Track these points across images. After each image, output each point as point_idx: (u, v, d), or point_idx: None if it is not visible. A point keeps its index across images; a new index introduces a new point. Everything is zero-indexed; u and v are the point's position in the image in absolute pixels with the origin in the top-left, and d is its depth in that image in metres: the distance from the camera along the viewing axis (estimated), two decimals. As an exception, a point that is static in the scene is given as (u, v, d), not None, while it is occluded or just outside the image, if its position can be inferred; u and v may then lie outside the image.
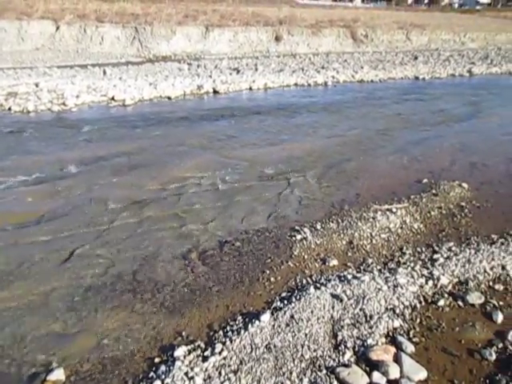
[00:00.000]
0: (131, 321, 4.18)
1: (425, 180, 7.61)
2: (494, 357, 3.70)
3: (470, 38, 44.35)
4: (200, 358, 3.67)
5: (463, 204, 6.61)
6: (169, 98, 15.68)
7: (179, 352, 3.75)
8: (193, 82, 18.25)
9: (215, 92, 17.50)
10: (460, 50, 40.46)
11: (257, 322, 3.99)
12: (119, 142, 9.92)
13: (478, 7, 75.42)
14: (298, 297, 4.30)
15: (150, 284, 4.69)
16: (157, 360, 3.75)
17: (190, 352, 3.77)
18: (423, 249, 5.33)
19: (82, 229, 5.80)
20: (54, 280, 4.75)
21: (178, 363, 3.63)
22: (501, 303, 4.32)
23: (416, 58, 32.02)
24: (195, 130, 11.40)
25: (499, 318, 4.08)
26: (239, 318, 4.16)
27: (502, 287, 4.56)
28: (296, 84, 20.38)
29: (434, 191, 7.03)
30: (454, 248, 5.27)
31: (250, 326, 3.96)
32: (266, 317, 4.02)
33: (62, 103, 13.50)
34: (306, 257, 5.17)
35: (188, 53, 31.54)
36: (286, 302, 4.28)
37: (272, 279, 4.73)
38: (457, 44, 43.53)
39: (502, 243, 5.37)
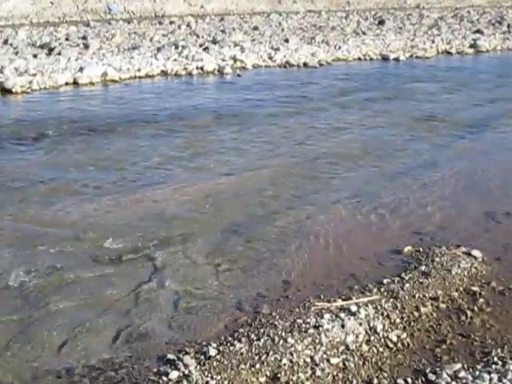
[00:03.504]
0: None
1: (407, 247, 7.97)
2: None
3: (472, -14, 48.68)
4: None
5: (475, 289, 6.99)
6: None
7: None
8: (-42, 73, 17.89)
9: (4, 91, 17.26)
10: (456, 9, 44.18)
11: None
12: None
13: None
14: None
15: None
16: None
17: None
18: (409, 379, 5.51)
19: None
20: None
21: None
22: None
23: (382, 22, 34.39)
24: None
25: None
26: None
27: None
28: (165, 73, 20.80)
29: (423, 268, 7.36)
30: (462, 374, 5.50)
31: None
32: None
33: None
34: (189, 414, 5.10)
35: None
36: None
37: None
38: (450, -3, 47.56)
39: (545, 357, 5.73)
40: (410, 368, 5.71)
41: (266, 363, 5.64)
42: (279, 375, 5.54)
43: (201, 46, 24.84)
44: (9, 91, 17.15)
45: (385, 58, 24.65)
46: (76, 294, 6.89)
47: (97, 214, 9.14)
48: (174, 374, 5.49)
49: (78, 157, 11.91)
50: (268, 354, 5.73)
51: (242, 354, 5.77)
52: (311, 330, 6.06)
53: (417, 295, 6.79)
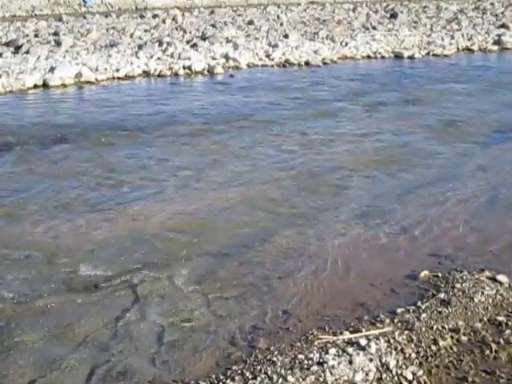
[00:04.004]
0: None
1: (424, 272, 7.96)
2: None
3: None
4: None
5: (501, 319, 6.94)
6: None
7: None
8: None
9: (-36, 95, 17.28)
10: (478, 0, 44.29)
11: None
12: None
13: None
14: None
15: None
16: None
17: None
18: (427, 423, 5.51)
19: None
20: None
21: None
22: None
23: (395, 15, 34.53)
24: None
25: None
26: None
27: None
28: (147, 73, 20.82)
29: (442, 295, 7.35)
30: (487, 417, 5.52)
31: None
32: None
33: None
34: None
35: None
36: None
37: None
38: (472, -14, 47.66)
39: None
40: (427, 410, 5.72)
41: (262, 405, 5.63)
42: (278, 419, 5.53)
43: (188, 42, 24.91)
44: (-31, 95, 17.21)
45: (398, 56, 24.74)
46: (46, 326, 6.86)
47: (71, 235, 9.14)
48: (158, 418, 5.48)
49: (48, 169, 11.91)
50: (265, 395, 5.72)
51: (234, 393, 5.76)
52: (314, 367, 6.04)
53: (435, 326, 6.78)
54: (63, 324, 6.93)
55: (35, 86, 18.61)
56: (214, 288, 7.70)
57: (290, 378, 5.90)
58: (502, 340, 6.64)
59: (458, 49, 26.30)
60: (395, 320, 6.89)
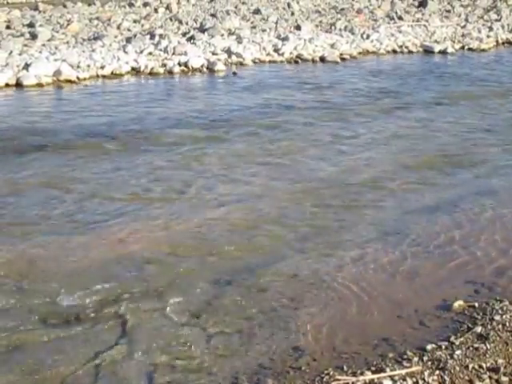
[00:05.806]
0: None
1: (458, 302, 7.93)
2: None
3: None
4: None
5: (550, 357, 6.97)
6: None
7: None
8: None
9: None
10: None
11: None
12: None
13: None
14: None
15: None
16: None
17: None
18: None
19: None
20: None
21: None
22: None
23: (424, 2, 34.55)
24: None
25: None
26: None
27: None
28: (137, 71, 20.81)
29: (479, 329, 7.33)
30: None
31: None
32: None
33: None
34: None
35: None
36: None
37: None
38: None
39: None
40: None
41: None
42: None
43: (184, 35, 24.94)
44: None
45: (427, 51, 24.72)
46: (17, 366, 6.82)
47: (46, 259, 9.11)
48: None
49: (20, 181, 11.93)
50: None
51: None
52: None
53: (471, 365, 6.72)
54: (38, 363, 6.89)
55: (7, 86, 18.59)
56: (213, 321, 7.65)
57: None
58: (552, 381, 6.61)
59: (497, 42, 26.27)
60: (425, 358, 6.85)
